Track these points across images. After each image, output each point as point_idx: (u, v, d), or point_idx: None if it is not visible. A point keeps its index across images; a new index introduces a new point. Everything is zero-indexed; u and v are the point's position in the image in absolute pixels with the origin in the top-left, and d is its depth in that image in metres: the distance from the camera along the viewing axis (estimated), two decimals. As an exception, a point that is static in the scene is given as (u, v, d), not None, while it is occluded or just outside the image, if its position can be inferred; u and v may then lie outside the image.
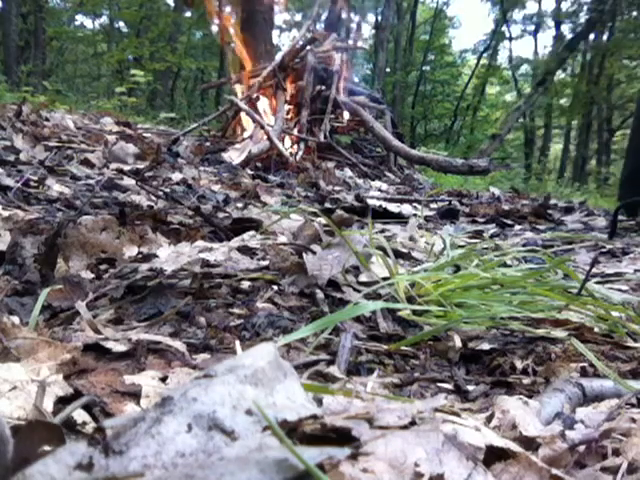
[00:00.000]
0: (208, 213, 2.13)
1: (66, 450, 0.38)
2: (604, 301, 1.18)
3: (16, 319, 0.93)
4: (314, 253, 1.38)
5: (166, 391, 0.47)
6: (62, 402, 0.67)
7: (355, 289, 1.26)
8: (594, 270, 1.58)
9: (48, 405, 0.65)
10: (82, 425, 0.62)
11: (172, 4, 19.41)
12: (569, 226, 3.26)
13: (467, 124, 23.63)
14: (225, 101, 8.35)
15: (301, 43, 6.35)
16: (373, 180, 5.47)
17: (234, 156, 4.88)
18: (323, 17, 10.42)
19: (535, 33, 25.68)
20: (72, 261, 1.30)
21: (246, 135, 5.71)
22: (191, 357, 0.88)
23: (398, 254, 1.67)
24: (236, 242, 1.57)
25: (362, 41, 7.33)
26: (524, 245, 2.25)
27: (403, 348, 0.99)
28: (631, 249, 2.34)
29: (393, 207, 2.99)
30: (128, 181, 2.81)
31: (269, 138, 4.84)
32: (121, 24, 22.50)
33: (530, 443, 0.58)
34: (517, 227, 3.12)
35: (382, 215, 2.80)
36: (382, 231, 2.28)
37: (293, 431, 0.45)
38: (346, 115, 6.38)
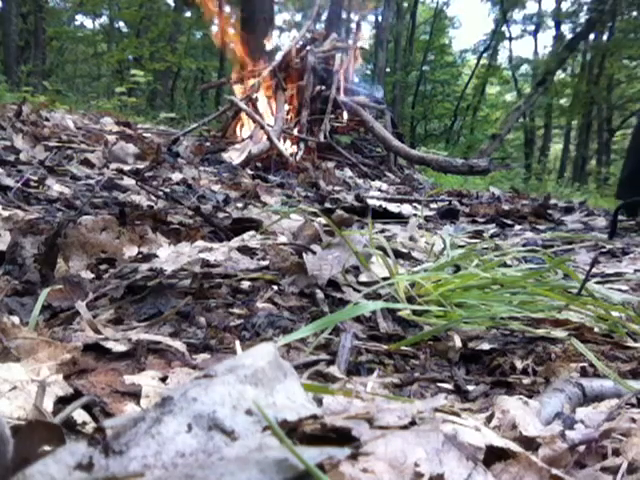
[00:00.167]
0: (208, 213, 2.13)
1: (66, 450, 0.38)
2: (604, 301, 1.18)
3: (16, 319, 0.93)
4: (314, 253, 1.38)
5: (166, 391, 0.47)
6: (62, 402, 0.67)
7: (355, 289, 1.26)
8: (594, 270, 1.58)
9: (48, 405, 0.65)
10: (82, 425, 0.62)
11: (172, 4, 19.42)
12: (569, 226, 3.26)
13: (467, 124, 23.63)
14: (225, 101, 8.35)
15: (301, 43, 6.35)
16: (373, 180, 5.47)
17: (234, 156, 4.88)
18: (323, 17, 10.42)
19: (535, 33, 25.71)
20: (72, 261, 1.30)
21: (246, 135, 5.71)
22: (191, 357, 0.88)
23: (398, 254, 1.67)
24: (236, 242, 1.57)
25: (362, 41, 7.30)
26: (524, 245, 2.25)
27: (403, 348, 0.99)
28: (631, 249, 2.34)
29: (393, 207, 2.99)
30: (128, 181, 2.81)
31: (269, 138, 4.84)
32: (121, 24, 22.52)
33: (530, 443, 0.58)
34: (517, 227, 3.12)
35: (382, 215, 2.80)
36: (382, 231, 2.28)
37: (293, 431, 0.45)
38: (345, 115, 6.38)
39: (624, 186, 3.87)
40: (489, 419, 0.65)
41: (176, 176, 3.37)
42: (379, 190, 4.73)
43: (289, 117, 5.97)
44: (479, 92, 23.85)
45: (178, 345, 0.89)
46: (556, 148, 27.21)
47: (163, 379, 0.78)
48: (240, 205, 2.72)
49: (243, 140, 5.59)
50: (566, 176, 19.02)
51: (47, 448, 0.42)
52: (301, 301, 1.20)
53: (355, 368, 0.90)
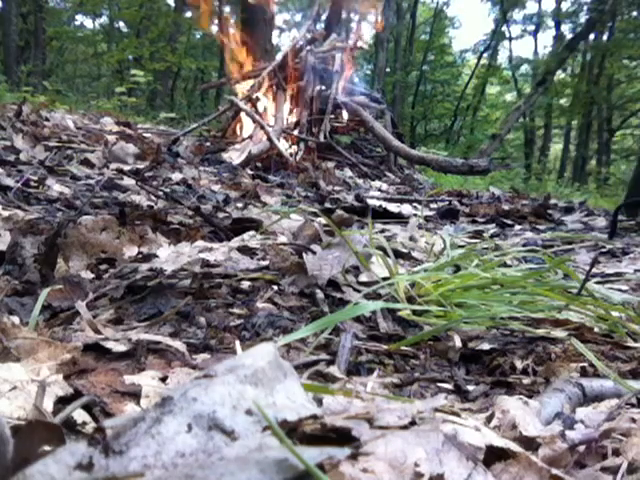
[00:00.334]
0: (208, 213, 2.13)
1: (66, 450, 0.38)
2: (604, 301, 1.18)
3: (16, 319, 0.93)
4: (314, 253, 1.38)
5: (166, 391, 0.47)
6: (62, 402, 0.67)
7: (355, 289, 1.26)
8: (594, 270, 1.58)
9: (48, 405, 0.65)
10: (82, 425, 0.62)
11: (172, 4, 19.41)
12: (569, 226, 3.27)
13: (467, 124, 23.61)
14: (225, 101, 8.34)
15: (301, 43, 6.35)
16: (373, 180, 5.47)
17: (234, 156, 4.88)
18: (323, 17, 10.42)
19: (535, 33, 25.67)
20: (72, 261, 1.30)
21: (246, 135, 5.71)
22: (191, 357, 0.88)
23: (398, 254, 1.67)
24: (236, 242, 1.57)
25: (362, 41, 7.30)
26: (524, 245, 2.25)
27: (403, 348, 0.99)
28: (631, 249, 2.34)
29: (393, 207, 2.99)
30: (128, 181, 2.81)
31: (269, 138, 4.84)
32: (121, 24, 22.49)
33: (530, 443, 0.58)
34: (517, 227, 3.12)
35: (382, 215, 2.80)
36: (382, 231, 2.28)
37: (293, 431, 0.45)
38: (345, 115, 6.38)
39: (634, 187, 3.86)
40: (489, 419, 0.65)
41: (176, 176, 3.37)
42: (379, 190, 4.73)
43: (289, 117, 5.97)
44: (479, 92, 23.83)
45: (178, 345, 0.89)
46: (556, 148, 27.20)
47: (163, 379, 0.78)
48: (240, 205, 2.72)
49: (243, 140, 5.59)
50: (566, 176, 19.02)
51: (47, 448, 0.42)
52: (301, 301, 1.20)
53: (355, 368, 0.90)
